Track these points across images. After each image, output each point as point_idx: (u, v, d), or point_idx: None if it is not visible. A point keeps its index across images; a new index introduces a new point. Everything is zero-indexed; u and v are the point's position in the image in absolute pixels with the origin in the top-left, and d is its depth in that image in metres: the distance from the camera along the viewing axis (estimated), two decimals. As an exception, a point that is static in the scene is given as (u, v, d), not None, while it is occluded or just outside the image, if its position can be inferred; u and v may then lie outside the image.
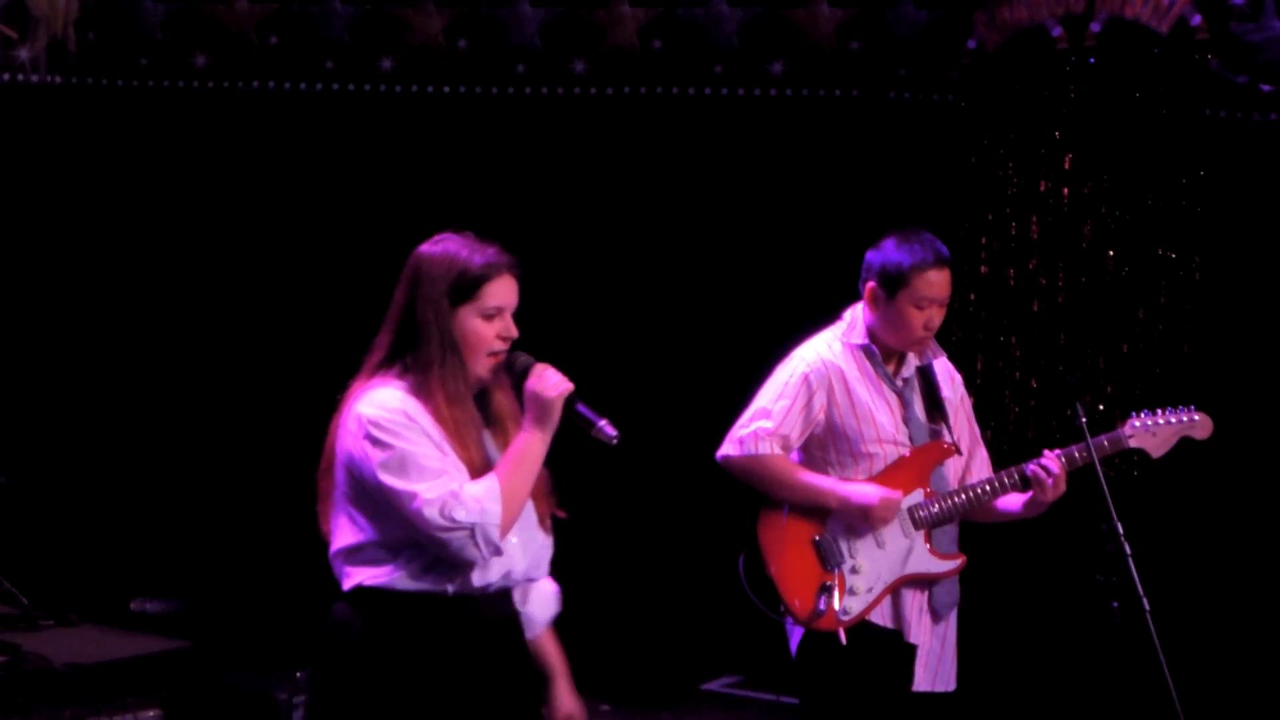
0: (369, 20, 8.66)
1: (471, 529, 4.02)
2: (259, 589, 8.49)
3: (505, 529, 4.07)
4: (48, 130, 8.83)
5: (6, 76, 8.69)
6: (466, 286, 4.14)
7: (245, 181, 8.82)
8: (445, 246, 4.20)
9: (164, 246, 8.87)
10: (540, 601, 4.38)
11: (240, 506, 8.71)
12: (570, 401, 4.14)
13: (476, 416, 4.16)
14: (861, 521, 5.30)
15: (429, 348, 4.12)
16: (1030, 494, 5.35)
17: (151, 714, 6.83)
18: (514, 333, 4.19)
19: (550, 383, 4.12)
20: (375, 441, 4.06)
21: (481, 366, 4.16)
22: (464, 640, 4.15)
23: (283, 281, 8.78)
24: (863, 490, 5.29)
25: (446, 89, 8.61)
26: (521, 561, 4.19)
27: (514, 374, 4.17)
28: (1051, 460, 5.31)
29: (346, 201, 8.69)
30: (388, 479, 4.04)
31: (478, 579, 4.12)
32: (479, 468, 4.10)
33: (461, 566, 4.09)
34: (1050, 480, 5.29)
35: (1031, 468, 5.33)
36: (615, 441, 4.11)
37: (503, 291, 4.17)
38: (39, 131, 8.81)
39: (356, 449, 4.08)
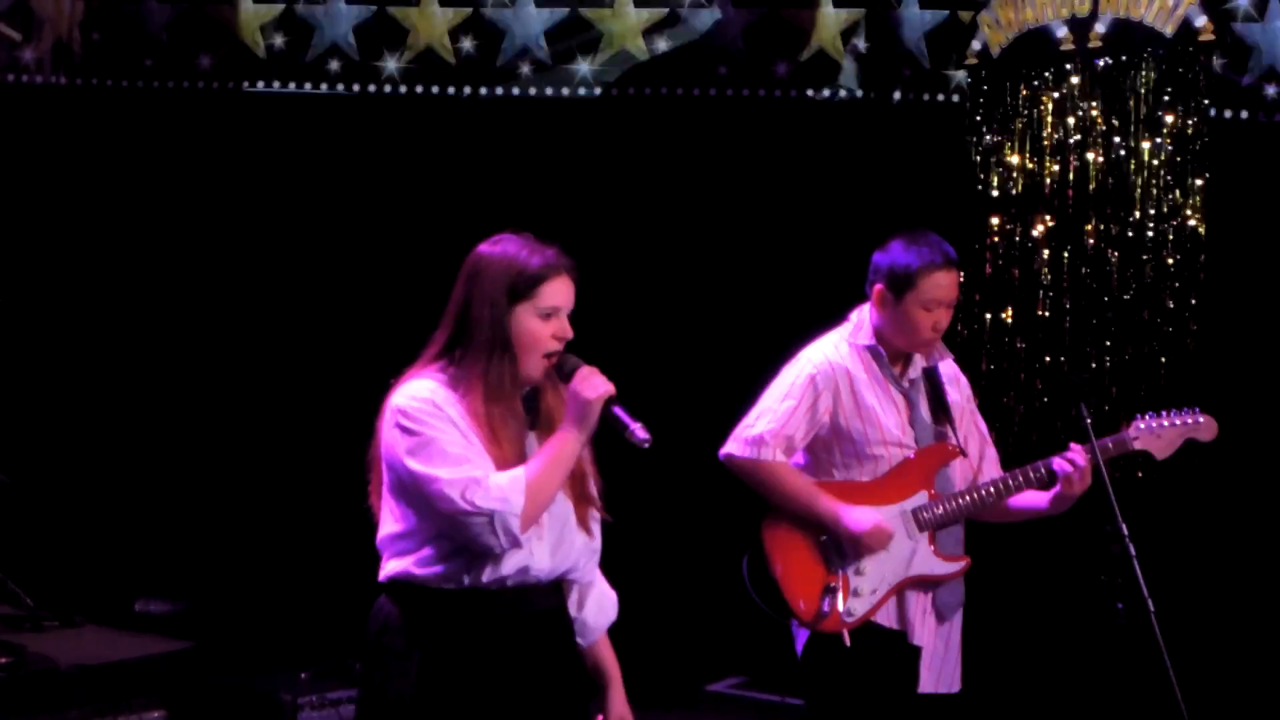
0: (373, 22, 8.65)
1: (491, 516, 4.06)
2: (263, 590, 8.49)
3: (527, 522, 4.10)
4: (52, 131, 8.83)
5: (11, 77, 8.69)
6: (524, 285, 4.18)
7: (249, 183, 8.82)
8: (504, 246, 4.26)
9: (168, 248, 8.87)
10: (596, 608, 4.41)
11: (244, 508, 8.71)
12: (608, 404, 4.16)
13: (518, 414, 4.21)
14: (853, 544, 5.30)
15: (480, 344, 4.17)
16: (1056, 490, 5.35)
17: (156, 715, 6.83)
18: (569, 333, 4.23)
19: (592, 384, 4.16)
20: (403, 429, 4.13)
21: (535, 366, 4.21)
22: (482, 631, 4.17)
23: (286, 283, 8.78)
24: (858, 517, 5.29)
25: (451, 91, 8.61)
26: (546, 561, 4.21)
27: (563, 375, 4.21)
28: (1077, 453, 5.31)
29: (351, 204, 8.69)
30: (413, 464, 4.11)
31: (489, 574, 4.15)
32: (511, 465, 4.14)
33: (477, 559, 4.13)
34: (1077, 474, 5.29)
35: (1058, 462, 5.32)
36: (647, 445, 4.15)
37: (559, 292, 4.22)
38: (43, 132, 8.81)
39: (389, 438, 4.17)
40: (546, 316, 4.20)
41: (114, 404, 8.91)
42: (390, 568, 4.22)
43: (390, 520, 4.22)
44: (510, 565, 4.16)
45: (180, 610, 8.44)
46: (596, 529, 4.36)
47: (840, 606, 5.26)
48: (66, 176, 8.85)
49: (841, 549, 5.32)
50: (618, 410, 4.18)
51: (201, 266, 8.84)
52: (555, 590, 4.31)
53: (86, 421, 8.90)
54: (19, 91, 8.72)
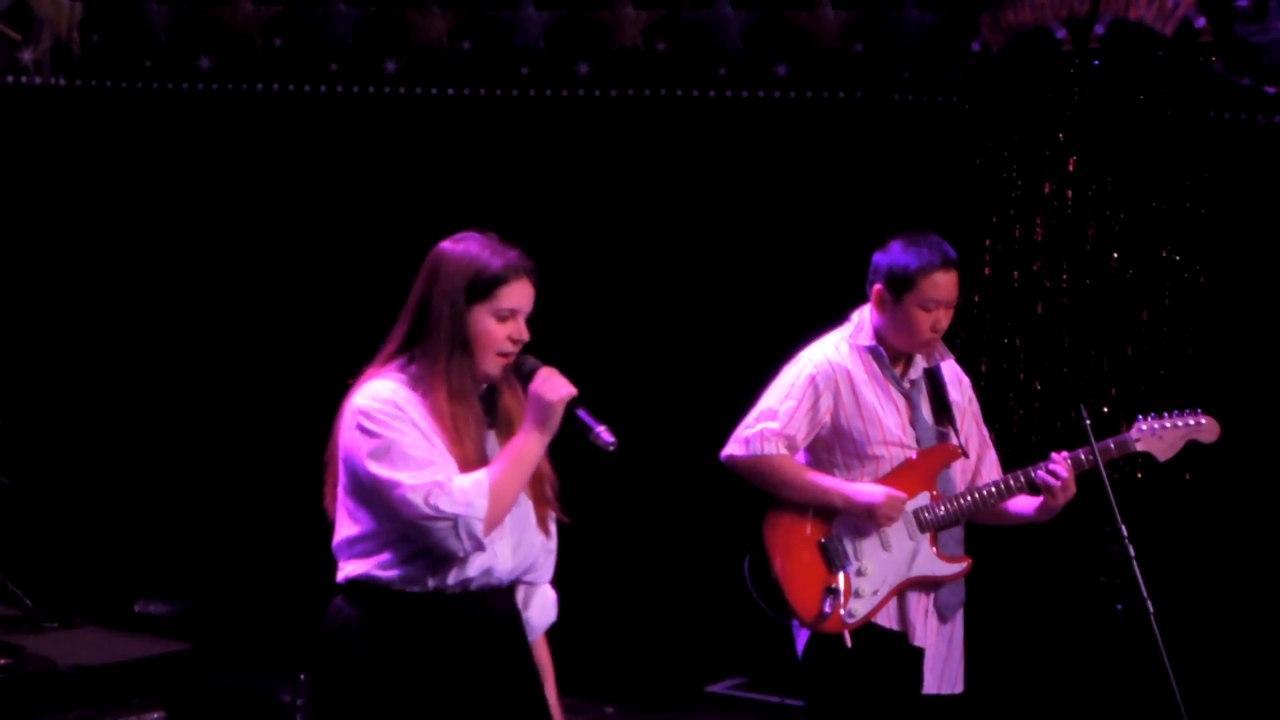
0: (373, 22, 8.67)
1: (455, 520, 4.04)
2: (262, 591, 8.50)
3: (490, 525, 4.08)
4: (52, 132, 8.84)
5: (11, 78, 8.70)
6: (483, 286, 4.16)
7: (249, 183, 8.83)
8: (467, 245, 4.23)
9: (167, 248, 8.88)
10: (540, 609, 4.38)
11: (244, 508, 8.72)
12: (571, 406, 4.14)
13: (478, 414, 4.18)
14: (866, 521, 5.29)
15: (438, 342, 4.15)
16: (1041, 499, 5.35)
17: (155, 716, 6.84)
18: (525, 336, 4.20)
19: (553, 386, 4.13)
20: (365, 431, 4.10)
21: (491, 365, 4.18)
22: (443, 635, 4.15)
23: (285, 284, 8.78)
24: (868, 489, 5.29)
25: (450, 91, 8.62)
26: (508, 561, 4.20)
27: (521, 376, 4.19)
28: (1059, 464, 5.30)
29: (350, 203, 8.69)
30: (374, 467, 4.08)
31: (454, 576, 4.13)
32: (473, 464, 4.12)
33: (441, 562, 4.11)
34: (1059, 484, 5.28)
35: (1040, 473, 5.32)
36: (612, 449, 4.12)
37: (518, 294, 4.19)
38: (43, 133, 8.82)
39: (349, 440, 4.13)
40: (503, 318, 4.17)
41: (113, 405, 8.91)
42: (349, 569, 4.19)
43: (348, 523, 4.19)
44: (475, 567, 4.14)
45: (180, 611, 8.45)
46: (554, 529, 4.33)
47: (841, 607, 5.26)
48: (66, 177, 8.85)
49: (844, 549, 5.31)
50: (581, 413, 4.15)
51: (202, 267, 8.85)
52: (510, 593, 4.29)
53: (86, 422, 8.91)
54: (19, 92, 8.72)
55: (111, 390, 8.92)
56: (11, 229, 8.77)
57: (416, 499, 4.03)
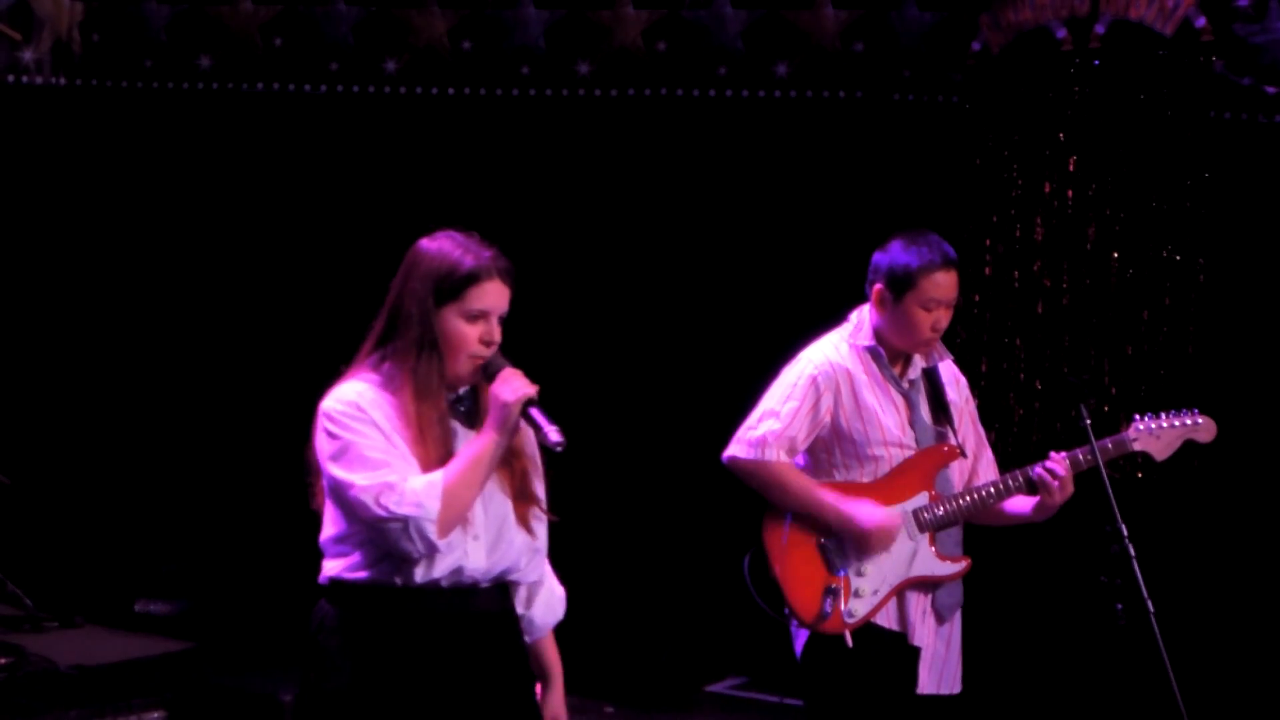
0: (373, 22, 8.67)
1: (405, 521, 4.02)
2: (263, 590, 8.50)
3: (444, 527, 4.05)
4: (52, 132, 8.83)
5: (11, 78, 8.70)
6: (453, 286, 4.13)
7: (249, 183, 8.83)
8: (441, 243, 4.21)
9: (167, 247, 8.88)
10: (545, 607, 4.36)
11: (244, 507, 8.71)
12: (526, 405, 4.12)
13: (444, 414, 4.16)
14: (858, 540, 5.29)
15: (408, 342, 4.14)
16: (1038, 498, 5.35)
17: (156, 715, 6.83)
18: (496, 337, 4.17)
19: (512, 386, 4.11)
20: (327, 433, 4.11)
21: (463, 367, 4.16)
22: (418, 631, 4.13)
23: (286, 283, 8.78)
24: (864, 513, 5.27)
25: (451, 91, 8.62)
26: (482, 562, 4.16)
27: (488, 376, 4.16)
28: (1057, 463, 5.31)
29: (350, 203, 8.69)
30: (334, 469, 4.09)
31: (420, 574, 4.11)
32: (436, 464, 4.09)
33: (406, 562, 4.09)
34: (1056, 483, 5.28)
35: (1037, 471, 5.32)
36: (560, 449, 4.09)
37: (489, 295, 4.15)
38: (43, 133, 8.82)
39: (317, 442, 4.15)
40: (473, 319, 4.14)
41: (113, 404, 8.91)
42: (328, 569, 4.19)
43: (328, 523, 4.20)
44: (442, 567, 4.12)
45: (180, 610, 8.45)
46: (540, 528, 4.29)
47: (841, 607, 5.26)
48: (66, 176, 8.85)
49: (843, 549, 5.31)
50: (535, 413, 4.12)
51: (202, 267, 8.85)
52: (498, 593, 4.25)
53: (86, 422, 8.91)
54: (19, 91, 8.72)
55: (111, 390, 8.92)
56: (11, 229, 8.77)
57: (368, 499, 4.03)
